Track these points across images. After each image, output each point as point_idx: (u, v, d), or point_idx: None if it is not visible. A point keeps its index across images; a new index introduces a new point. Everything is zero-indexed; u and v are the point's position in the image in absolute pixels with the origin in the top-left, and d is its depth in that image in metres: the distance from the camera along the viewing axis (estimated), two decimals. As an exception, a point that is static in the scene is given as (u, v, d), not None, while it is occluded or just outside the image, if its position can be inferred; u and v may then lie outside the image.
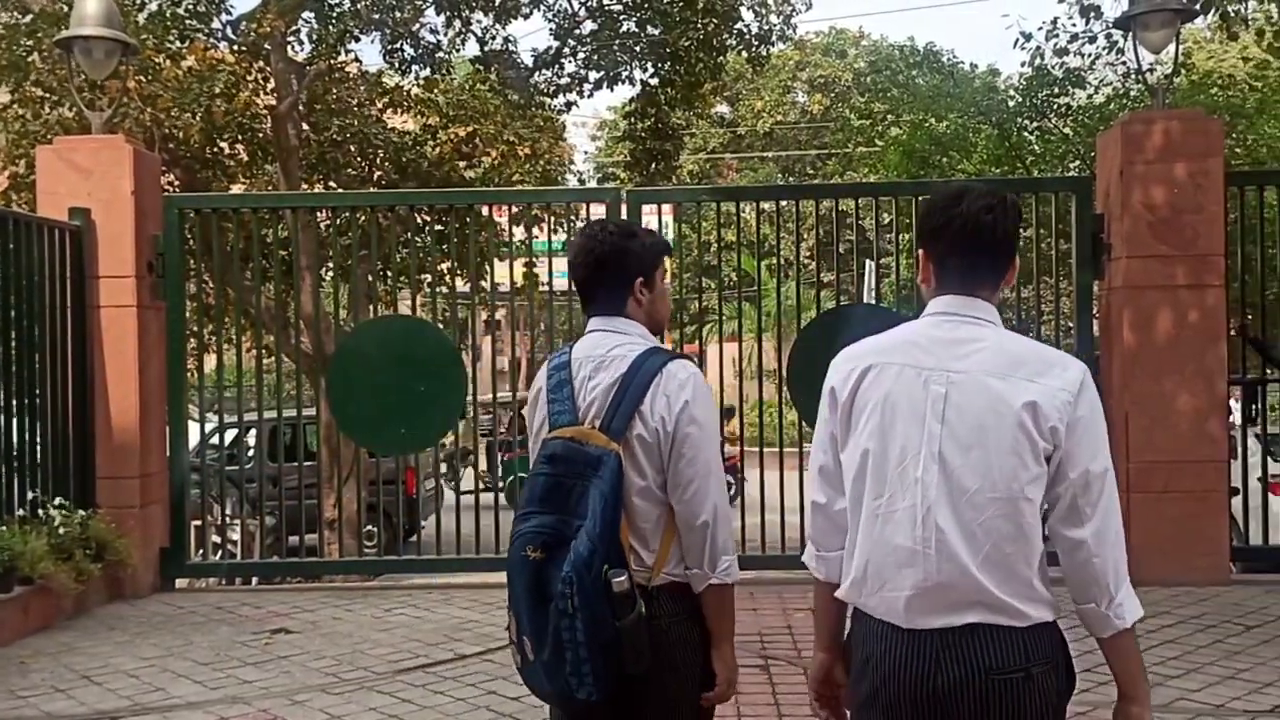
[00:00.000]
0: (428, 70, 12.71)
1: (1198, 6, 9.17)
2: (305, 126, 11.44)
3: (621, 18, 13.95)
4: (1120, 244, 6.97)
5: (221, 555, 9.68)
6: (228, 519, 9.58)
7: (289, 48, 11.25)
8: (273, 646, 5.74)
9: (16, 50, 9.18)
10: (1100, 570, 2.09)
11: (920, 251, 2.22)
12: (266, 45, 10.32)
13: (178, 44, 9.89)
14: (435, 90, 13.05)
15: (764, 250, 11.65)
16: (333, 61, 12.26)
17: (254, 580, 8.64)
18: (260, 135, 10.56)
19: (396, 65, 12.80)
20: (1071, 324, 7.35)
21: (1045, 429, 2.06)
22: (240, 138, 10.38)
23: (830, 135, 21.49)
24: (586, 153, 38.87)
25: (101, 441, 6.90)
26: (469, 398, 7.50)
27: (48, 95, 9.39)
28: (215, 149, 10.26)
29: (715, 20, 12.26)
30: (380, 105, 12.69)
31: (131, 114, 9.30)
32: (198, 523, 8.13)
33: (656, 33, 12.64)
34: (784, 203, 7.75)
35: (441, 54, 14.61)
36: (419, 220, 10.90)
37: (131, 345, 6.93)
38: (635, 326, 2.57)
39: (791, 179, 36.25)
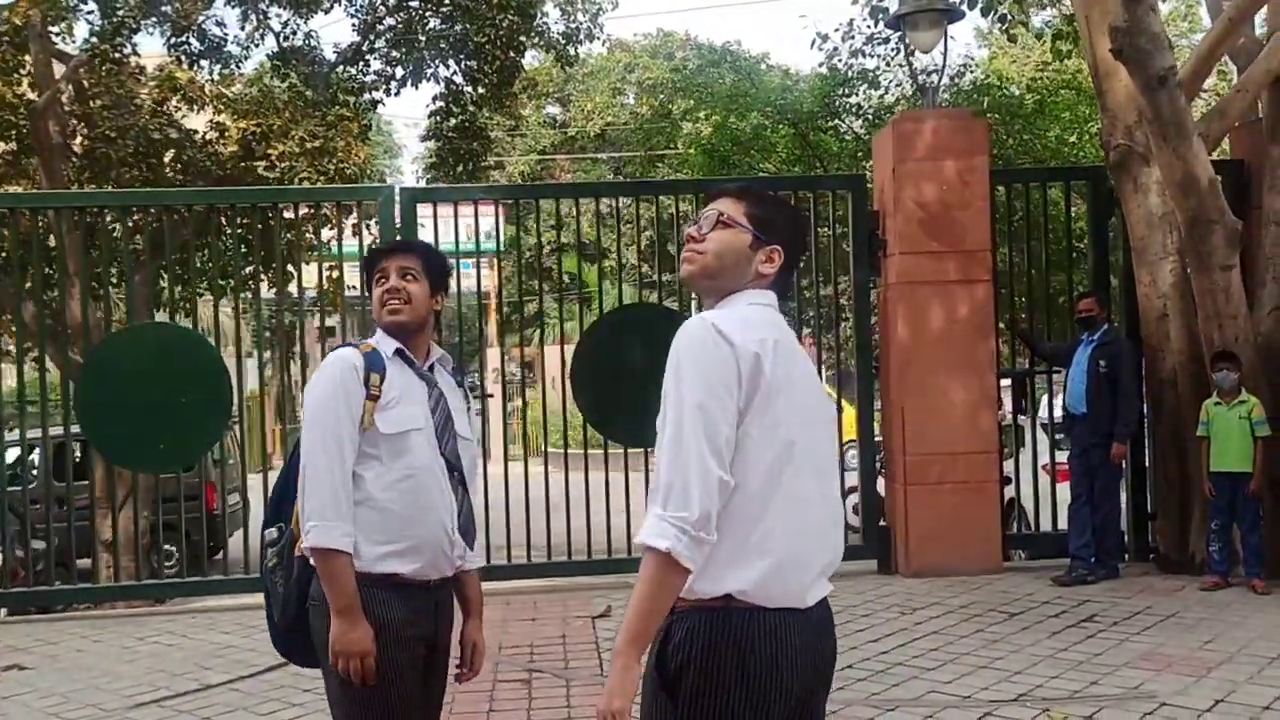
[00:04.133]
0: (218, 65, 12.11)
1: (975, 9, 9.47)
2: (78, 123, 10.73)
3: (426, 14, 13.62)
4: (894, 241, 7.08)
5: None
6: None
7: (57, 39, 10.53)
8: (1, 684, 5.27)
9: None
10: None
11: (778, 246, 2.17)
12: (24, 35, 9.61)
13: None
14: (227, 85, 12.46)
15: (591, 251, 11.50)
16: (109, 53, 11.59)
17: (2, 612, 8.00)
18: (21, 131, 9.84)
19: (183, 59, 12.14)
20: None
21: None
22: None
23: (630, 134, 21.52)
24: (418, 155, 38.17)
25: None
26: (235, 409, 7.09)
27: None
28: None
29: (512, 17, 12.04)
30: (174, 101, 12.05)
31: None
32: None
33: (458, 29, 12.36)
34: (583, 201, 7.56)
35: (237, 48, 14.03)
36: (219, 221, 10.37)
37: None
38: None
39: (623, 179, 36.36)
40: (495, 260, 11.36)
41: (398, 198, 7.00)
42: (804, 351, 2.25)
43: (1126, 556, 7.21)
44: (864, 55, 13.86)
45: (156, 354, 6.74)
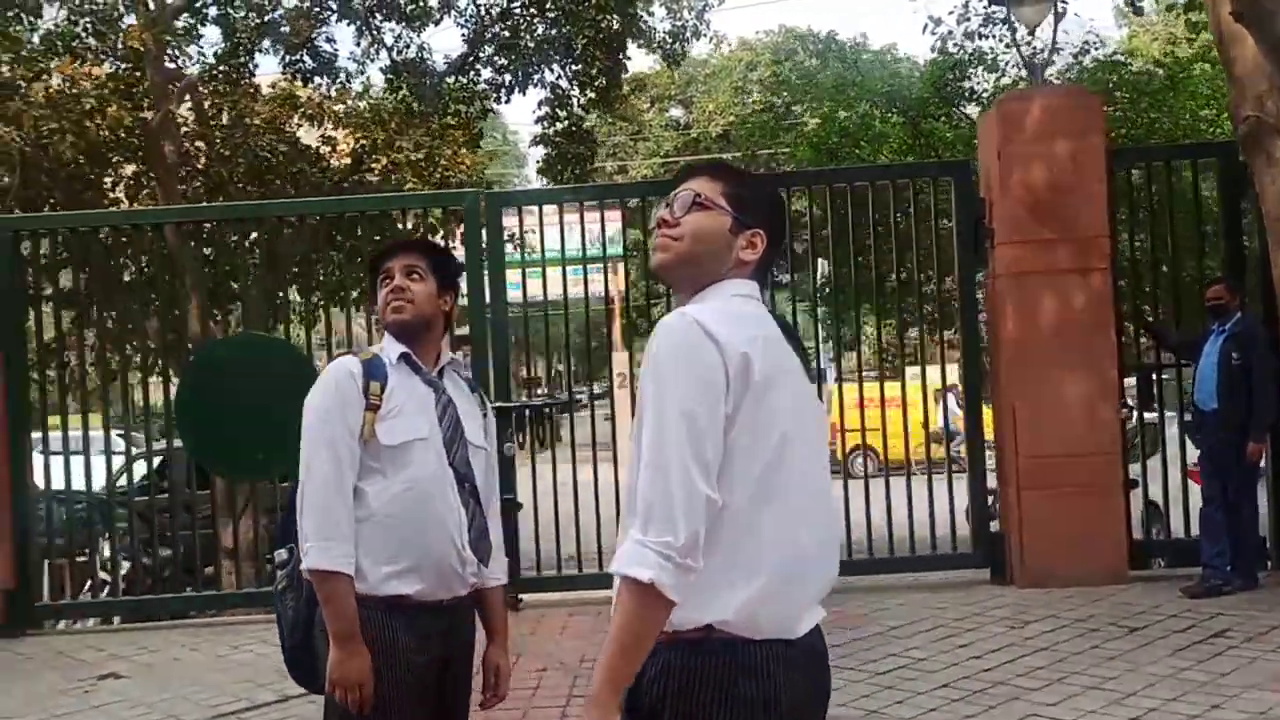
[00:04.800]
0: (327, 80, 12.35)
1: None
2: (194, 141, 11.05)
3: (534, 20, 13.64)
4: (1002, 229, 6.66)
5: (108, 593, 9.22)
6: (119, 555, 9.14)
7: (174, 61, 10.87)
8: (94, 694, 5.36)
9: None
10: None
11: (760, 230, 1.95)
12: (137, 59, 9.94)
13: (47, 63, 9.49)
14: (344, 101, 12.69)
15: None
16: (231, 74, 11.93)
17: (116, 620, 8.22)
18: (139, 152, 10.17)
19: (297, 76, 12.43)
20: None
21: None
22: (120, 155, 9.98)
23: (752, 133, 21.09)
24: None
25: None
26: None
27: None
28: (96, 168, 9.87)
29: (611, 17, 11.92)
30: (295, 119, 12.34)
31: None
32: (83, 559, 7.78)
33: (560, 33, 12.32)
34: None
35: (353, 63, 14.31)
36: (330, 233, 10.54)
37: (-37, 380, 6.54)
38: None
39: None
40: (599, 264, 11.23)
41: (483, 203, 6.92)
42: (787, 345, 1.99)
43: (1269, 564, 6.64)
44: (980, 37, 13.26)
45: (252, 363, 6.79)
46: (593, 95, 14.47)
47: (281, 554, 2.68)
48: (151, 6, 10.94)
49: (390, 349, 2.64)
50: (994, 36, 13.29)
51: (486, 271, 6.80)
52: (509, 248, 8.90)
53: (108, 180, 10.51)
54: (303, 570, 2.53)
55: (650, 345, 1.82)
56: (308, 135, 12.06)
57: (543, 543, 6.90)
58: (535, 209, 7.39)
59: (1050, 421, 6.53)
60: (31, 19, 11.28)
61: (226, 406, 6.67)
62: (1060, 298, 6.58)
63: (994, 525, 6.86)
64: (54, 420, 7.76)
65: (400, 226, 7.51)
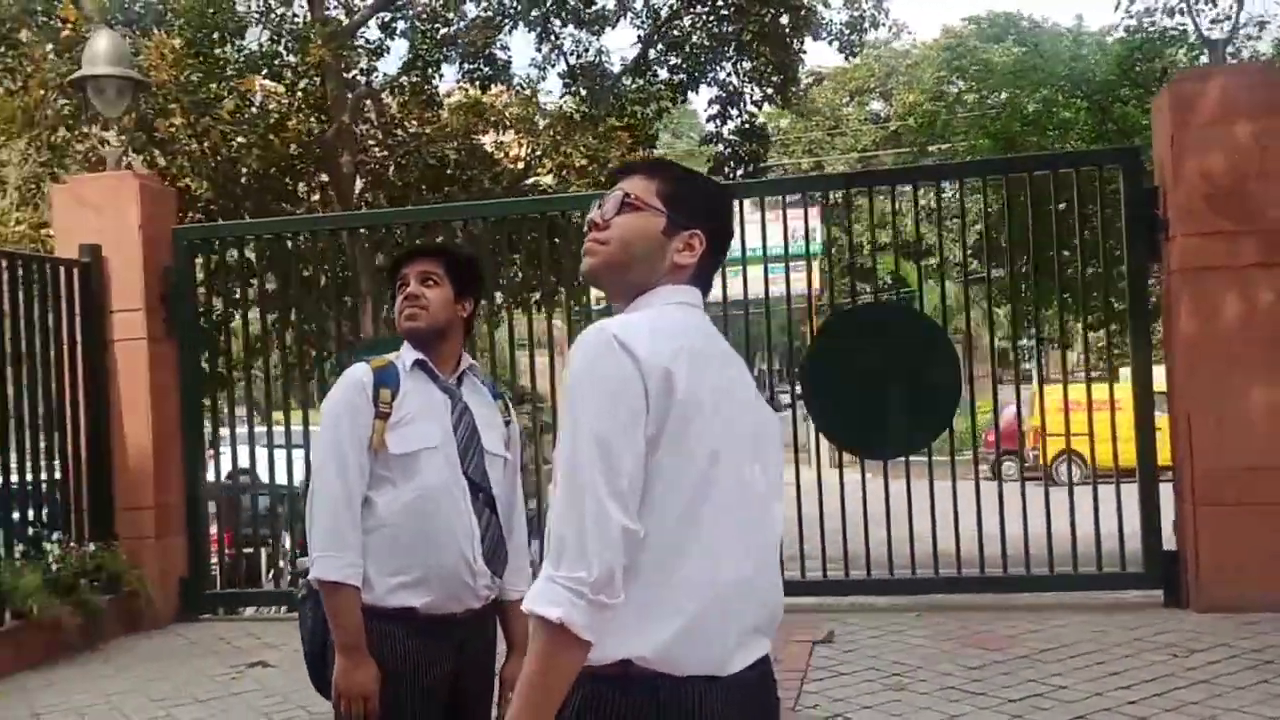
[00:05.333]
0: (503, 87, 12.64)
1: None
2: (371, 150, 11.50)
3: (707, 19, 13.56)
4: (1177, 220, 6.12)
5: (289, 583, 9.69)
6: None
7: (359, 74, 11.37)
8: (238, 681, 5.62)
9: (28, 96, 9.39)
10: None
11: (697, 231, 1.80)
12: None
13: (231, 78, 10.08)
14: (520, 107, 12.96)
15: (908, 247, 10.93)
16: (419, 85, 12.40)
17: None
18: (319, 163, 10.68)
19: (475, 83, 12.79)
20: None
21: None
22: (305, 166, 10.51)
23: (904, 127, 20.24)
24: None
25: (119, 474, 6.98)
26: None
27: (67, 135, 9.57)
28: (285, 178, 10.42)
29: (779, 11, 11.69)
30: (480, 125, 12.71)
31: (183, 149, 9.54)
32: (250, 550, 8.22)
33: (729, 30, 12.19)
34: (845, 192, 7.16)
35: (536, 69, 14.61)
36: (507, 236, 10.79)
37: (143, 377, 7.00)
38: None
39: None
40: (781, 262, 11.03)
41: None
42: (737, 357, 1.85)
43: None
44: (1179, 13, 12.27)
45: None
46: (769, 91, 14.29)
47: (304, 562, 2.69)
48: (344, 20, 11.51)
49: (406, 356, 2.61)
50: (1191, 12, 12.28)
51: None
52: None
53: (301, 188, 11.07)
54: (310, 580, 2.53)
55: (568, 361, 1.70)
56: (480, 141, 12.37)
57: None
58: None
59: (1232, 431, 5.96)
60: (235, 40, 12.04)
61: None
62: (1243, 295, 5.99)
63: (1170, 543, 6.32)
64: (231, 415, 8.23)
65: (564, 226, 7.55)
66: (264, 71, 12.13)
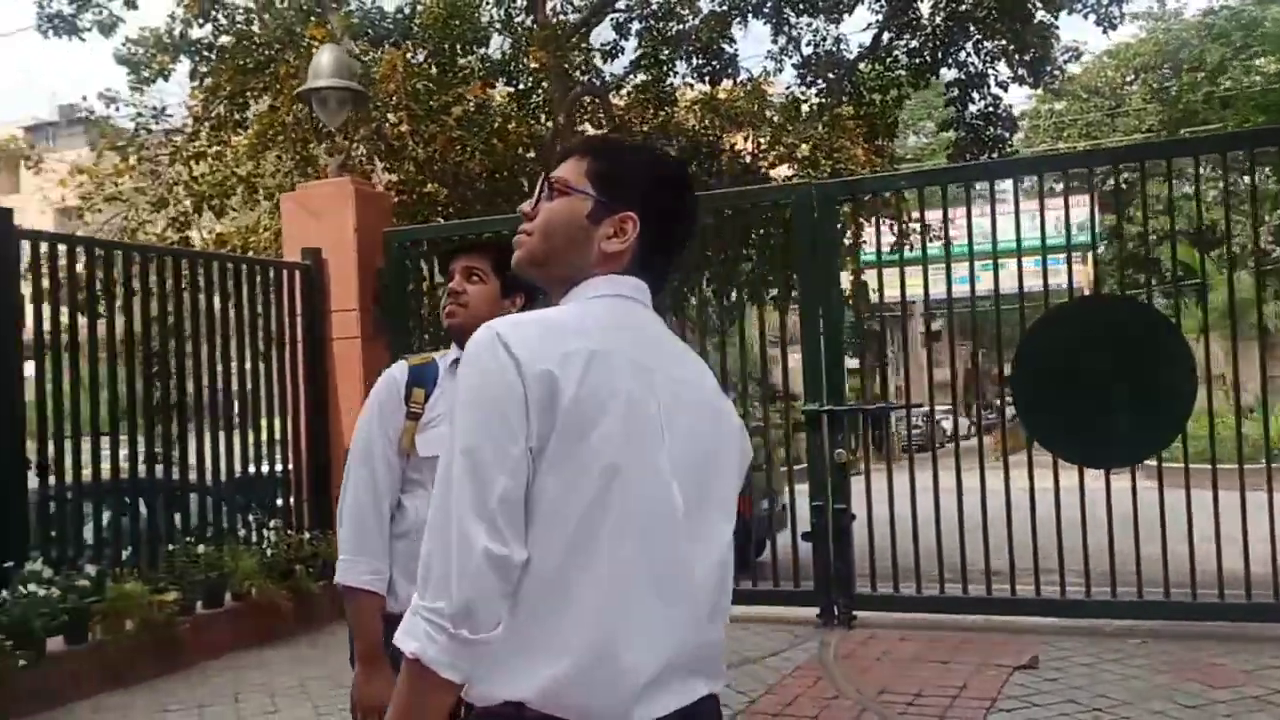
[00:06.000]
0: (731, 81, 12.48)
1: None
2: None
3: (950, -2, 12.89)
4: None
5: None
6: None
7: (584, 75, 11.51)
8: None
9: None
10: None
11: (630, 214, 1.60)
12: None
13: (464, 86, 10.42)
14: (752, 100, 12.76)
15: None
16: (651, 85, 12.46)
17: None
18: (538, 165, 10.86)
19: (703, 79, 12.71)
20: None
21: (748, 460, 1.69)
22: (529, 168, 10.72)
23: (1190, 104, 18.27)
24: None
25: (336, 465, 7.33)
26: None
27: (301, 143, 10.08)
28: (512, 181, 10.67)
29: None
30: (710, 121, 12.65)
31: (409, 156, 9.94)
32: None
33: (964, 7, 11.50)
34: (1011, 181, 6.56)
35: (772, 60, 14.36)
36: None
37: (358, 374, 7.32)
38: None
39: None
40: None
41: (814, 195, 6.56)
42: (688, 359, 1.61)
43: None
44: None
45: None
46: (1020, 71, 13.44)
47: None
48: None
49: (452, 353, 2.51)
50: None
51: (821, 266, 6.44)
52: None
53: (526, 188, 11.33)
54: (339, 584, 2.46)
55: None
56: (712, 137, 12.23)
57: (884, 559, 6.41)
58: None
59: None
60: (476, 49, 12.51)
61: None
62: None
63: None
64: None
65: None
66: (502, 78, 12.54)
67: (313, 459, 7.30)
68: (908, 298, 8.50)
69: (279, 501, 7.18)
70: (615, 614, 1.44)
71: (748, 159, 11.64)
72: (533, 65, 10.70)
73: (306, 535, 6.99)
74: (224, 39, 12.38)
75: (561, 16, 12.46)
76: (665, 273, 1.68)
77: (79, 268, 6.06)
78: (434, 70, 11.50)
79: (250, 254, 9.97)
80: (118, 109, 10.95)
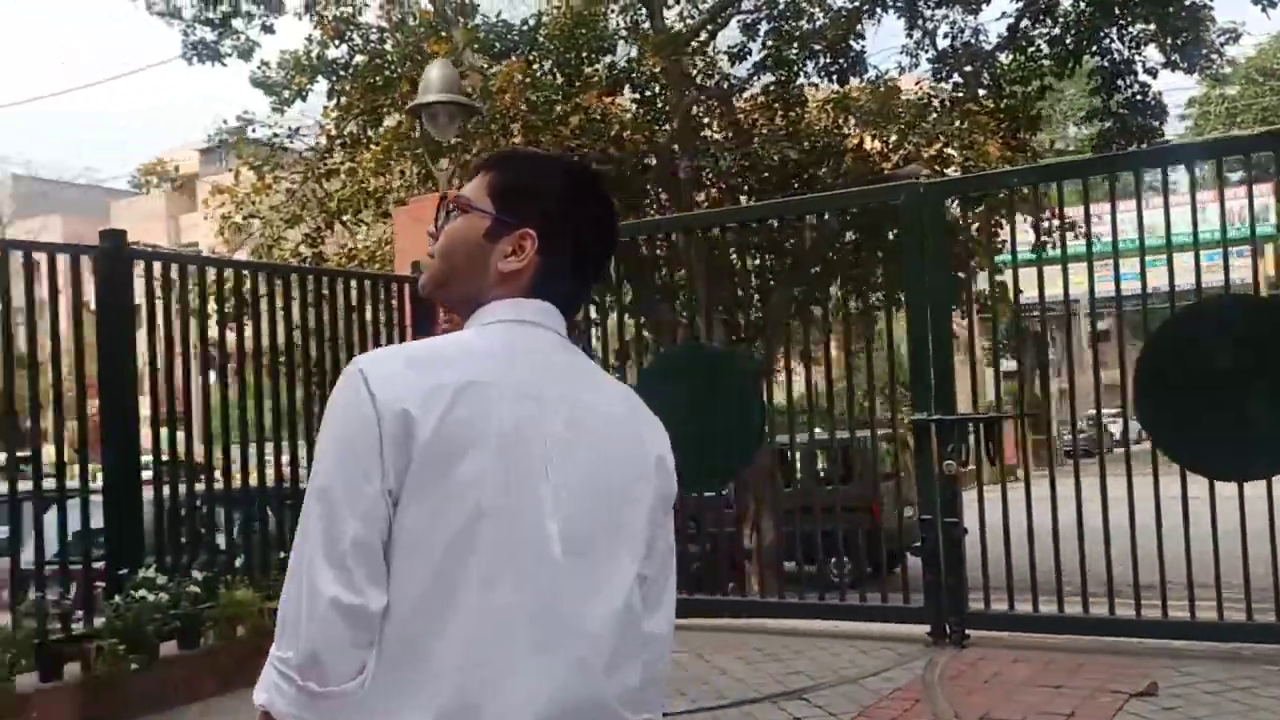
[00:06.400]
0: (858, 79, 12.19)
1: None
2: (726, 153, 11.48)
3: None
4: None
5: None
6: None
7: (707, 78, 11.41)
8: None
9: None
10: (668, 668, 1.59)
11: (529, 231, 1.50)
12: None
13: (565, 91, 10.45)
14: (881, 97, 12.44)
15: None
16: (782, 89, 12.30)
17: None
18: (652, 171, 10.79)
19: (831, 78, 12.46)
20: None
21: (669, 492, 1.56)
22: (648, 176, 10.69)
23: None
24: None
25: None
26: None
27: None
28: (631, 188, 10.65)
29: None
30: (840, 121, 12.40)
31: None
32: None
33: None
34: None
35: (907, 55, 13.99)
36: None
37: (462, 383, 7.39)
38: None
39: None
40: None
41: (922, 193, 6.28)
42: (603, 386, 1.51)
43: None
44: None
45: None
46: (1174, 57, 12.71)
47: None
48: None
49: None
50: None
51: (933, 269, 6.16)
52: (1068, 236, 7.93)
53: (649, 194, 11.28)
54: None
55: None
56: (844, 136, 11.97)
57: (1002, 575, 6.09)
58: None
59: None
60: (599, 57, 12.57)
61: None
62: None
63: None
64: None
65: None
66: (628, 85, 12.55)
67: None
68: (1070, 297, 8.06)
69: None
70: (481, 663, 1.34)
71: (877, 158, 11.34)
72: (655, 70, 10.66)
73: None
74: (359, 59, 12.80)
75: (685, 21, 12.38)
76: (578, 294, 1.58)
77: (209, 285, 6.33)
78: (559, 80, 11.61)
79: (378, 267, 10.24)
80: (254, 130, 11.42)
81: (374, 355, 1.43)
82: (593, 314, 8.22)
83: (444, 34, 10.93)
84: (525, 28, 12.77)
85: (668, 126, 11.00)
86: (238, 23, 12.11)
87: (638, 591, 1.48)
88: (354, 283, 7.23)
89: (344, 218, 10.69)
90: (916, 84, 12.53)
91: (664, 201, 11.10)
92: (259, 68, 12.07)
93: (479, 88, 10.12)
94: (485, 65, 11.51)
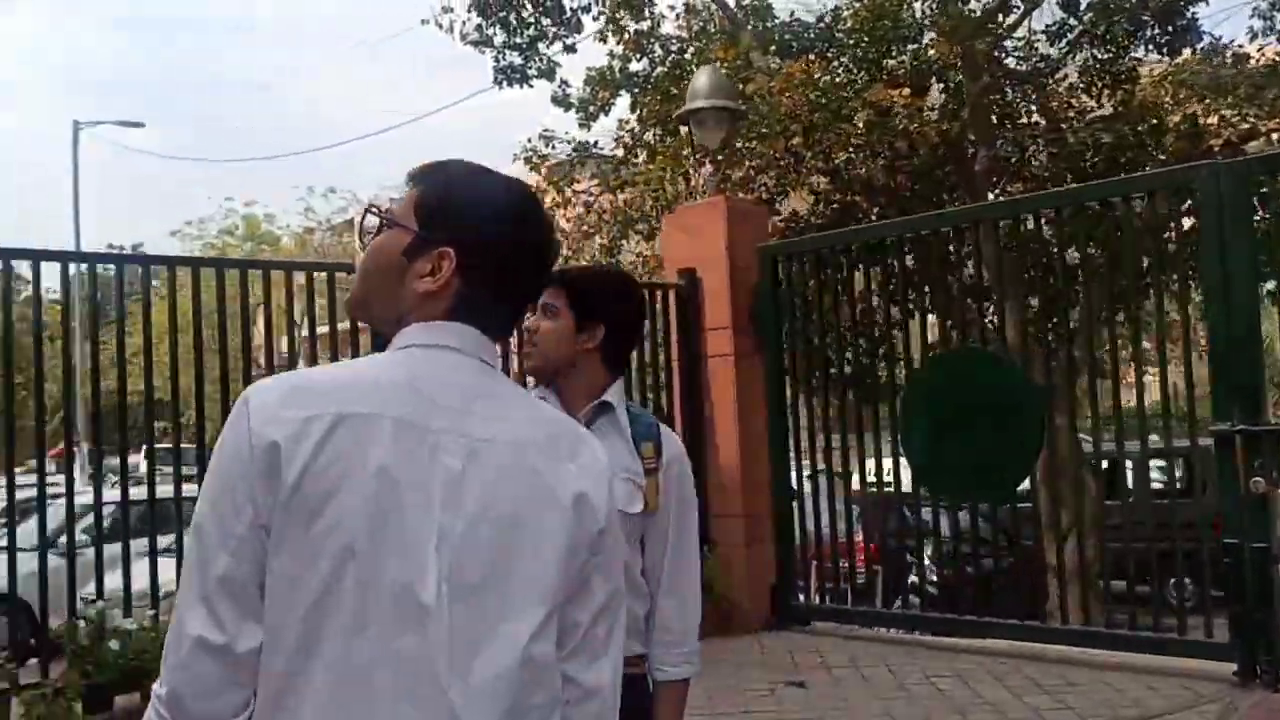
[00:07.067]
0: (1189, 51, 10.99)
1: None
2: (1031, 139, 10.69)
3: None
4: None
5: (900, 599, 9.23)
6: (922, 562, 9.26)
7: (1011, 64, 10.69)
8: (765, 699, 5.59)
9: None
10: None
11: (447, 249, 1.38)
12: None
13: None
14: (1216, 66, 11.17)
15: None
16: (1105, 62, 11.36)
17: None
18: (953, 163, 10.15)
19: (1159, 50, 11.31)
20: None
21: (593, 532, 1.39)
22: (938, 169, 10.10)
23: None
24: None
25: (713, 483, 7.37)
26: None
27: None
28: (913, 186, 10.12)
29: None
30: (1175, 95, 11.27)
31: (809, 168, 9.76)
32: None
33: None
34: None
35: (1261, 19, 12.48)
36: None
37: (730, 392, 7.32)
38: None
39: None
40: None
41: (1221, 174, 5.51)
42: (497, 417, 1.36)
43: None
44: None
45: None
46: None
47: None
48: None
49: (533, 394, 2.35)
50: None
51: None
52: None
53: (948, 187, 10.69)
54: None
55: None
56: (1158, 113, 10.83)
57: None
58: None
59: None
60: (902, 48, 12.10)
61: None
62: None
63: None
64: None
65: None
66: (933, 76, 12.00)
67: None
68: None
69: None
70: (331, 712, 1.24)
71: (1209, 136, 10.15)
72: (951, 58, 10.09)
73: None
74: (659, 70, 13.05)
75: (983, 4, 11.65)
76: (507, 317, 1.46)
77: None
78: (857, 75, 11.27)
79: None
80: (553, 147, 11.89)
81: (263, 382, 1.35)
82: (894, 314, 7.82)
83: (726, 38, 10.90)
84: (821, 25, 12.53)
85: (964, 114, 10.37)
86: (541, 46, 12.67)
87: (549, 640, 1.34)
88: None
89: (638, 226, 10.91)
90: (1259, 51, 11.12)
91: (959, 197, 10.49)
92: (558, 86, 12.60)
93: (765, 89, 10.00)
94: (777, 66, 11.36)
